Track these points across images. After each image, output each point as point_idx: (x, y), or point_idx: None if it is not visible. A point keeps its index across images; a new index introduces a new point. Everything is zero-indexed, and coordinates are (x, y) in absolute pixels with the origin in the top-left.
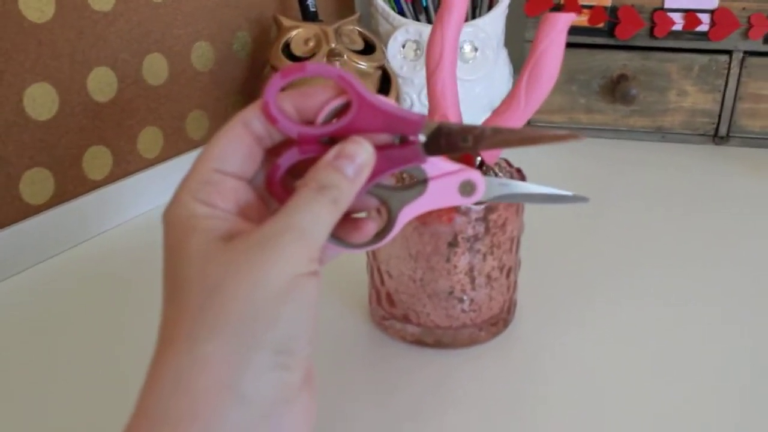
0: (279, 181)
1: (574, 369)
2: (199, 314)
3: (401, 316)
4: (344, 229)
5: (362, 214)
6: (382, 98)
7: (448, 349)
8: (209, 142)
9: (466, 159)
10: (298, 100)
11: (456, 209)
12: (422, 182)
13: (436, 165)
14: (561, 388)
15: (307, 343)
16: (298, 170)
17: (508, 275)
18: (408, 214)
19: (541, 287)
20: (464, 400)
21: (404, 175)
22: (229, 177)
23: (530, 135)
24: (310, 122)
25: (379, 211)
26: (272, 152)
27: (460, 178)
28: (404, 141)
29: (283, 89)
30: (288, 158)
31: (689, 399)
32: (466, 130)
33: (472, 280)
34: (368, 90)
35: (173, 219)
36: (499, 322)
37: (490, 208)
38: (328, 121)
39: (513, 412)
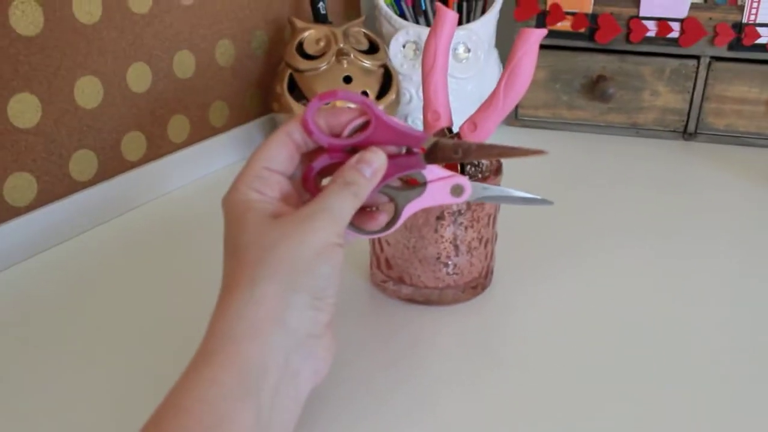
0: (312, 179)
1: (541, 327)
2: (258, 265)
3: (397, 278)
4: (362, 219)
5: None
6: (393, 119)
7: (435, 306)
8: (260, 146)
9: (453, 165)
10: (330, 118)
11: None
12: (422, 185)
13: (434, 171)
14: (529, 342)
15: (334, 294)
16: (327, 171)
17: (486, 245)
18: (411, 209)
19: (515, 258)
20: (448, 349)
21: (408, 179)
22: (274, 173)
23: (506, 150)
24: (338, 135)
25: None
26: (307, 157)
27: (452, 182)
28: (409, 152)
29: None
30: (320, 162)
31: (647, 355)
32: (457, 145)
33: (456, 248)
34: (383, 112)
35: (232, 203)
36: (478, 285)
37: None
38: (351, 134)
39: (488, 359)
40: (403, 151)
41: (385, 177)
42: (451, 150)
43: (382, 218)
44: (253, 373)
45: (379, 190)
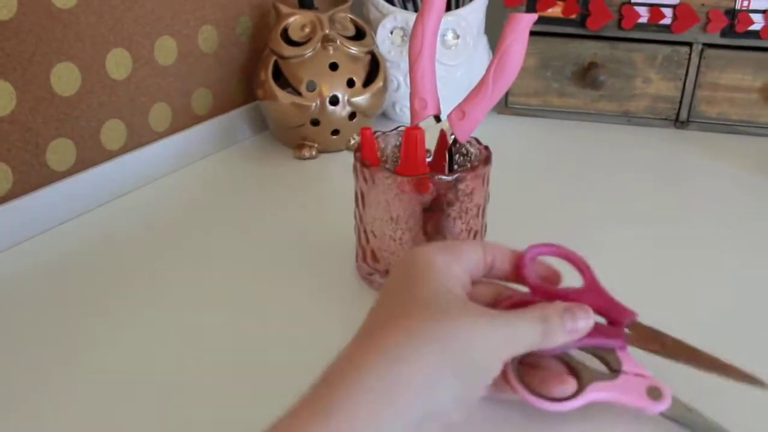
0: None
1: None
2: (426, 325)
3: (383, 271)
4: (546, 378)
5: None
6: (604, 286)
7: None
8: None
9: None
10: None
11: (429, 179)
12: (615, 371)
13: (631, 362)
14: None
15: (462, 409)
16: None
17: (474, 237)
18: (596, 391)
19: None
20: None
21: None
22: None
23: (719, 365)
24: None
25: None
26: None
27: (650, 383)
28: (611, 324)
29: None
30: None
31: None
32: (658, 335)
33: (444, 240)
34: (597, 277)
35: (418, 254)
36: None
37: (459, 178)
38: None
39: None
40: (606, 322)
41: (579, 339)
42: (658, 342)
43: (570, 384)
44: None
45: (562, 356)
